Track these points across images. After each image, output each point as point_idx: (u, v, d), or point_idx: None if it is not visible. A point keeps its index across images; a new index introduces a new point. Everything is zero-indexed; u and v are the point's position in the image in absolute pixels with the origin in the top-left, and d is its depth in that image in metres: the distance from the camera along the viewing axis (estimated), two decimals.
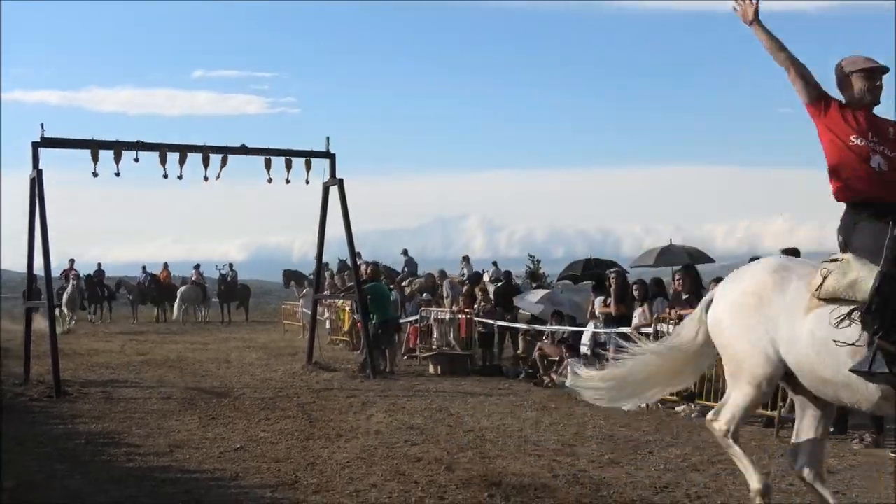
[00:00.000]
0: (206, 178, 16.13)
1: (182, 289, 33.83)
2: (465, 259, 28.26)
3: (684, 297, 12.39)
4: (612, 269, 14.64)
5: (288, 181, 16.76)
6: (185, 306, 33.47)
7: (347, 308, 22.10)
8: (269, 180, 16.69)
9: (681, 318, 12.02)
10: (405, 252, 29.84)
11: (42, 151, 14.99)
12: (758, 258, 12.90)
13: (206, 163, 16.01)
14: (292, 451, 9.56)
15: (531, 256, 34.24)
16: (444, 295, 21.63)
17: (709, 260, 16.32)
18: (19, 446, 9.91)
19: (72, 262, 33.37)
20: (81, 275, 33.17)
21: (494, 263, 27.44)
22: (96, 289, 34.30)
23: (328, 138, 17.09)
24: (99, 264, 36.37)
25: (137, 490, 7.81)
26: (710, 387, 11.95)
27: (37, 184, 14.90)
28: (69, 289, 30.34)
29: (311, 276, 32.89)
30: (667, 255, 15.72)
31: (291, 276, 34.71)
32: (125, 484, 8.04)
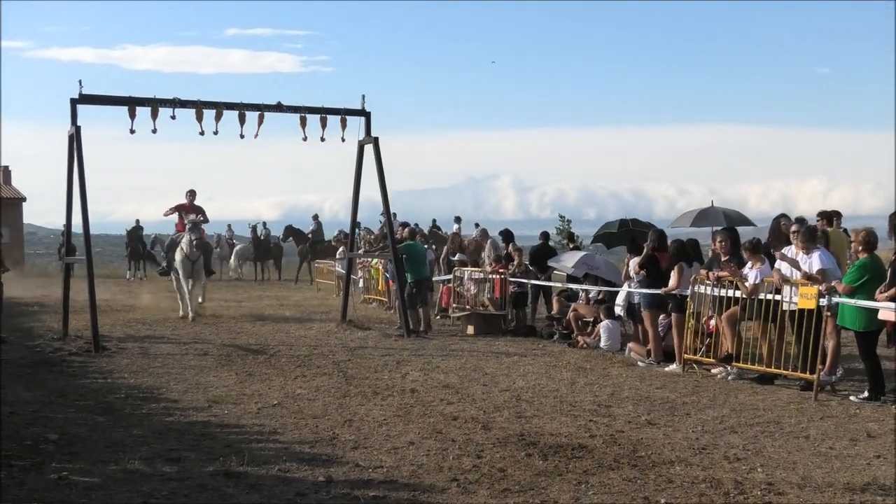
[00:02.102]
0: (241, 136, 16.17)
1: (238, 247, 34.76)
2: (457, 220, 28.45)
3: (723, 258, 12.26)
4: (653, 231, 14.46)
5: (323, 139, 16.76)
6: (240, 262, 34.72)
7: (381, 267, 22.14)
8: (305, 138, 16.69)
9: (719, 279, 11.95)
10: (394, 215, 30.51)
11: (79, 108, 15.07)
12: (784, 215, 12.83)
13: (241, 120, 16.06)
14: (329, 407, 9.62)
15: (561, 217, 34.36)
16: (487, 254, 21.48)
17: (749, 223, 16.06)
18: (61, 398, 10.07)
19: (192, 194, 19.81)
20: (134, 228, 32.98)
21: (476, 225, 27.94)
22: (137, 245, 34.71)
23: (363, 96, 16.97)
24: (137, 220, 36.62)
25: (178, 443, 7.89)
26: (747, 350, 11.90)
27: (75, 140, 14.99)
28: (184, 245, 18.79)
29: (309, 235, 34.42)
30: (705, 217, 15.51)
31: (290, 233, 35.46)
32: (166, 437, 8.14)
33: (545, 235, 19.49)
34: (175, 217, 19.67)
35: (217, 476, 6.83)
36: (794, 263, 11.21)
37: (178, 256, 18.94)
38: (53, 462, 7.18)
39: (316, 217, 35.73)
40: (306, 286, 30.62)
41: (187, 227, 19.08)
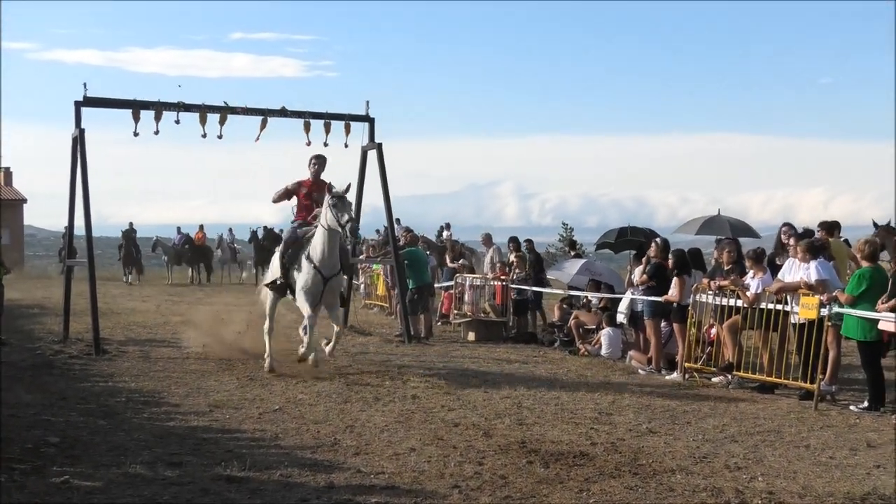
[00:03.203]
0: (257, 140, 16.18)
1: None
2: (447, 226, 28.35)
3: (726, 267, 12.28)
4: (656, 239, 14.49)
5: (326, 144, 16.71)
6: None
7: (381, 272, 22.15)
8: (308, 143, 16.61)
9: (720, 288, 11.96)
10: (397, 221, 30.63)
11: (83, 111, 15.08)
12: (789, 224, 12.86)
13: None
14: (330, 413, 9.62)
15: (564, 224, 34.31)
16: (491, 260, 21.33)
17: (754, 234, 16.09)
18: (62, 401, 10.07)
19: (319, 162, 13.18)
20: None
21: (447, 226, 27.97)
22: (131, 248, 34.55)
23: (367, 102, 17.01)
24: (131, 223, 36.09)
25: (180, 448, 7.89)
26: (748, 359, 11.92)
27: (79, 143, 14.99)
28: (319, 248, 11.72)
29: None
30: (710, 225, 15.55)
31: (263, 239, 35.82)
32: (167, 441, 8.14)
33: (529, 242, 19.14)
34: (284, 205, 12.99)
35: (219, 481, 6.83)
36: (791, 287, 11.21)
37: (304, 266, 11.70)
38: (55, 466, 7.18)
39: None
40: None
41: (329, 204, 11.28)
